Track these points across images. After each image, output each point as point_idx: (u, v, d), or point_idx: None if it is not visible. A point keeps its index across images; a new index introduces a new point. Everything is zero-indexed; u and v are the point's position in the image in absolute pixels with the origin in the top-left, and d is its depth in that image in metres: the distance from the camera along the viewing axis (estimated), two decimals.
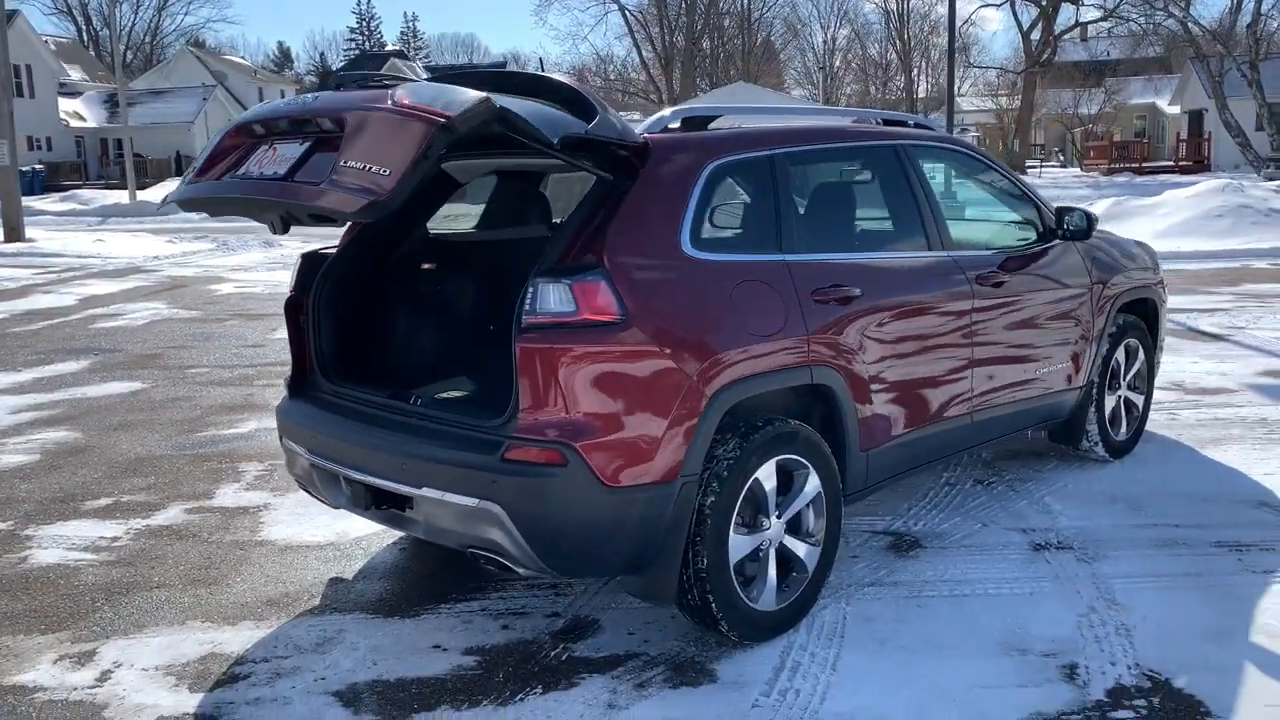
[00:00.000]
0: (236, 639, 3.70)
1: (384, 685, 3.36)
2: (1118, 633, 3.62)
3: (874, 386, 3.88)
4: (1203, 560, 4.23)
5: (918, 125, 4.62)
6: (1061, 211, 4.90)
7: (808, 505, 3.70)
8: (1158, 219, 16.43)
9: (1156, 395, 6.73)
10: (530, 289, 3.14)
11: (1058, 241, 4.92)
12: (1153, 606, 3.81)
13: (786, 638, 3.61)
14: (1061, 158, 55.23)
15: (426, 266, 4.35)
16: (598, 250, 3.18)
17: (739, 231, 3.74)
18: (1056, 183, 34.49)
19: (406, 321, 4.19)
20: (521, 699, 3.26)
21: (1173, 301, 10.85)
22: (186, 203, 3.54)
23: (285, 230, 3.51)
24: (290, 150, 3.30)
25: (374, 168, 2.97)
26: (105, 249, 18.95)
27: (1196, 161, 41.50)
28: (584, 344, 3.12)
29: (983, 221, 5.35)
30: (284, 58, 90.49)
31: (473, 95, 3.00)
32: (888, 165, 4.27)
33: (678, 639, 3.62)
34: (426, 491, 3.30)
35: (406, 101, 3.04)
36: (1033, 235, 4.92)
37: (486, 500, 3.16)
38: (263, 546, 4.56)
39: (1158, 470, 5.34)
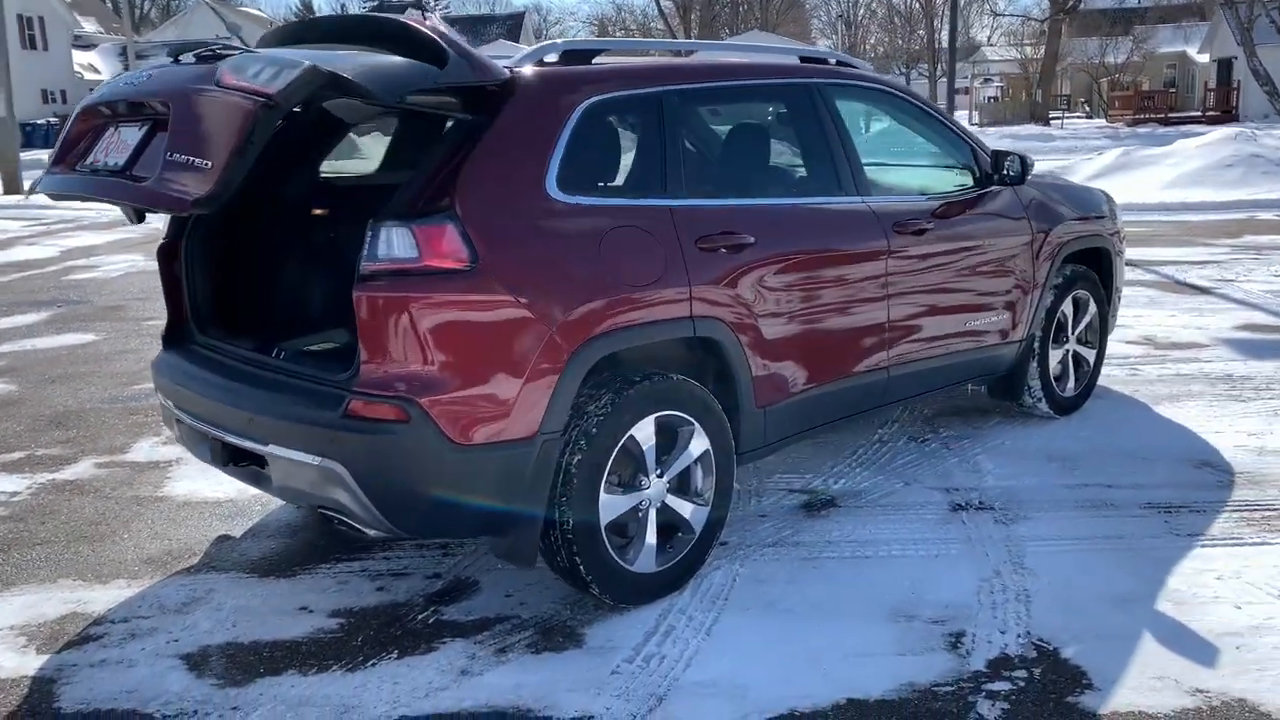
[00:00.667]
0: (102, 599, 3.58)
1: (236, 648, 3.23)
2: (1017, 599, 3.44)
3: (771, 340, 3.68)
4: (1127, 522, 4.03)
5: (840, 63, 4.36)
6: (999, 155, 4.64)
7: (695, 464, 3.52)
8: (1165, 169, 15.98)
9: (1121, 349, 6.51)
10: (369, 233, 2.96)
11: (995, 187, 4.67)
12: (1061, 571, 3.62)
13: (668, 600, 3.45)
14: (1087, 108, 54.11)
15: (318, 212, 4.17)
16: (448, 192, 2.99)
17: (618, 173, 3.53)
18: (1075, 134, 33.84)
19: (291, 269, 4.02)
20: (374, 664, 3.13)
21: (1165, 254, 10.59)
22: (51, 195, 3.42)
23: (140, 220, 3.38)
24: (131, 135, 3.22)
25: (196, 160, 2.88)
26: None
27: (1225, 111, 40.43)
28: (427, 293, 2.93)
29: (910, 167, 5.09)
30: (306, 10, 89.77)
31: (299, 64, 2.82)
32: (797, 105, 4.03)
33: (555, 602, 3.47)
34: (273, 449, 3.14)
35: (229, 79, 2.87)
36: (968, 180, 4.67)
37: (328, 459, 3.00)
38: (161, 502, 4.44)
39: (1103, 428, 5.11)
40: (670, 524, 3.50)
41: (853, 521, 4.07)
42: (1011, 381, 4.99)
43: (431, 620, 3.38)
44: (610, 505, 3.27)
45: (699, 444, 3.49)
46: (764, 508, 4.22)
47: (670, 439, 3.46)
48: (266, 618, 3.42)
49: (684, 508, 3.49)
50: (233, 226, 3.85)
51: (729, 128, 4.16)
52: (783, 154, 4.17)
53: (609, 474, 3.25)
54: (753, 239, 3.59)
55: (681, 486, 3.52)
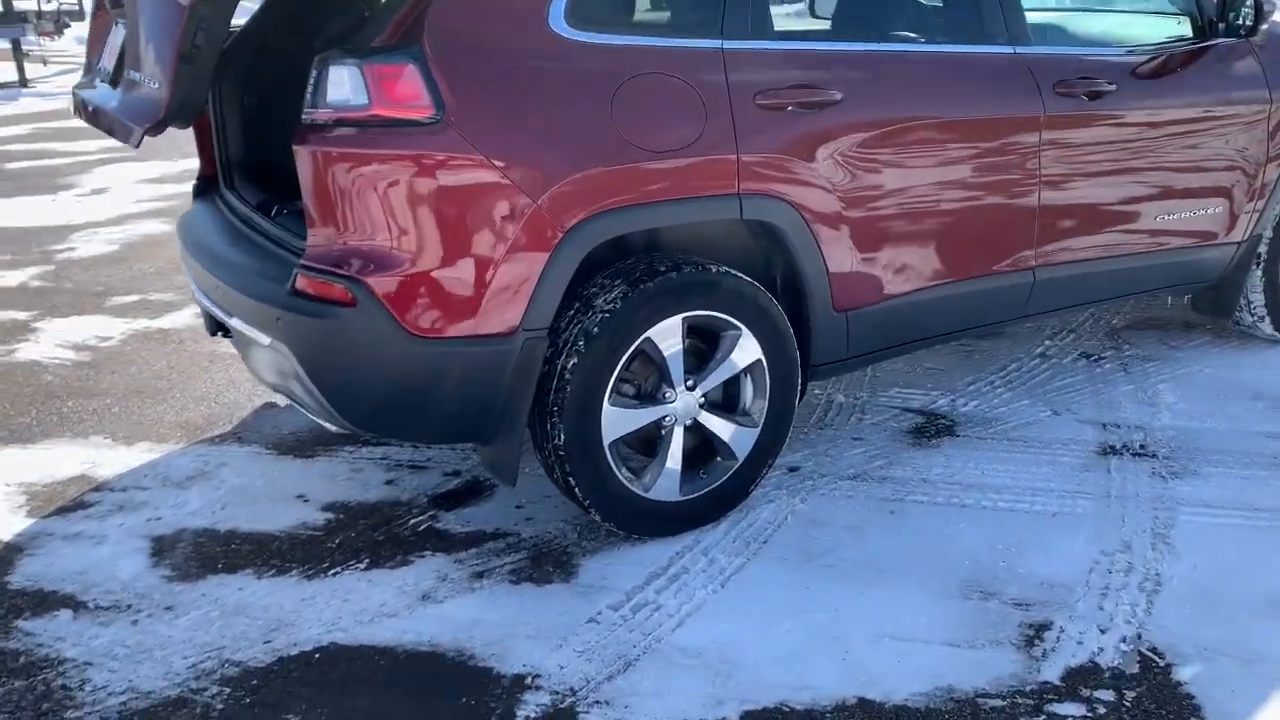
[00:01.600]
0: (119, 461, 3.39)
1: (210, 536, 2.94)
2: (1140, 586, 2.64)
3: (858, 228, 2.93)
4: None
5: None
6: None
7: (743, 376, 2.88)
8: None
9: None
10: (314, 72, 2.44)
11: (1221, 40, 3.58)
12: (1215, 553, 2.77)
13: (694, 536, 2.88)
14: None
15: None
16: (417, 24, 2.42)
17: (659, 5, 2.81)
18: None
19: None
20: (335, 573, 2.76)
21: None
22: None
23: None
24: (117, 39, 2.90)
25: (148, 79, 2.55)
26: None
27: None
28: (378, 149, 2.40)
29: (1099, 12, 4.00)
30: None
31: None
32: None
33: (566, 522, 2.98)
34: (235, 323, 2.77)
35: None
36: (1182, 30, 3.60)
37: (277, 340, 2.58)
38: (231, 361, 4.23)
39: None
40: (707, 446, 2.90)
41: (965, 457, 3.32)
42: (1222, 294, 3.95)
43: (423, 527, 2.98)
44: (617, 420, 2.70)
45: (747, 353, 2.84)
46: (863, 428, 3.52)
47: (709, 344, 2.84)
48: (258, 503, 3.13)
49: (723, 428, 2.87)
50: (268, 67, 3.44)
51: None
52: None
53: (616, 382, 2.68)
54: (839, 96, 2.82)
55: (724, 403, 2.91)
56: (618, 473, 2.74)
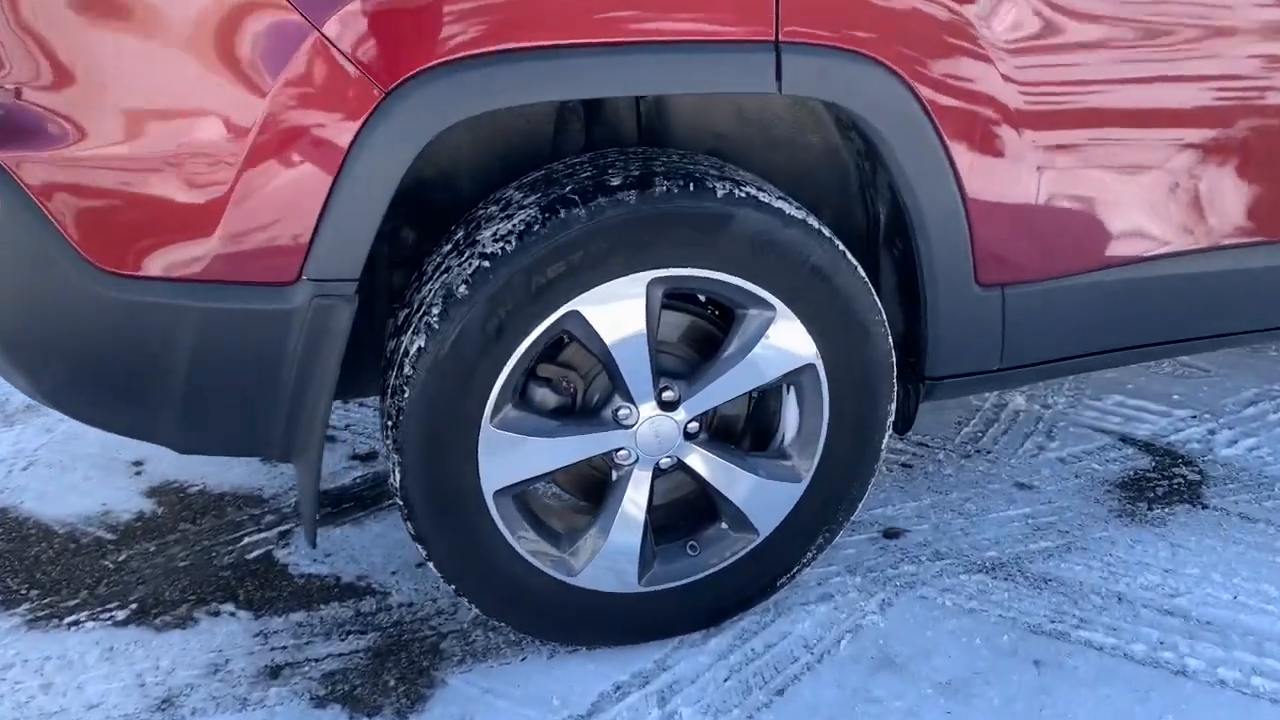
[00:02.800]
0: None
1: None
2: None
3: (1038, 130, 1.50)
4: None
5: None
6: None
7: (784, 390, 1.57)
8: None
9: None
10: None
11: None
12: None
13: (667, 648, 1.64)
14: None
15: None
16: None
17: None
18: None
19: None
20: (74, 624, 1.71)
21: None
22: None
23: None
24: None
25: None
26: None
27: None
28: None
29: None
30: None
31: None
32: None
33: None
34: None
35: None
36: None
37: None
38: None
39: None
40: (705, 504, 1.63)
41: (1209, 553, 1.86)
42: None
43: (255, 553, 1.88)
44: (513, 454, 1.47)
45: (785, 350, 1.51)
46: (1039, 466, 2.11)
47: (717, 332, 1.54)
48: (77, 466, 2.14)
49: (729, 479, 1.57)
50: None
51: None
52: None
53: (515, 383, 1.44)
54: None
55: (740, 433, 1.62)
56: (510, 540, 1.52)
